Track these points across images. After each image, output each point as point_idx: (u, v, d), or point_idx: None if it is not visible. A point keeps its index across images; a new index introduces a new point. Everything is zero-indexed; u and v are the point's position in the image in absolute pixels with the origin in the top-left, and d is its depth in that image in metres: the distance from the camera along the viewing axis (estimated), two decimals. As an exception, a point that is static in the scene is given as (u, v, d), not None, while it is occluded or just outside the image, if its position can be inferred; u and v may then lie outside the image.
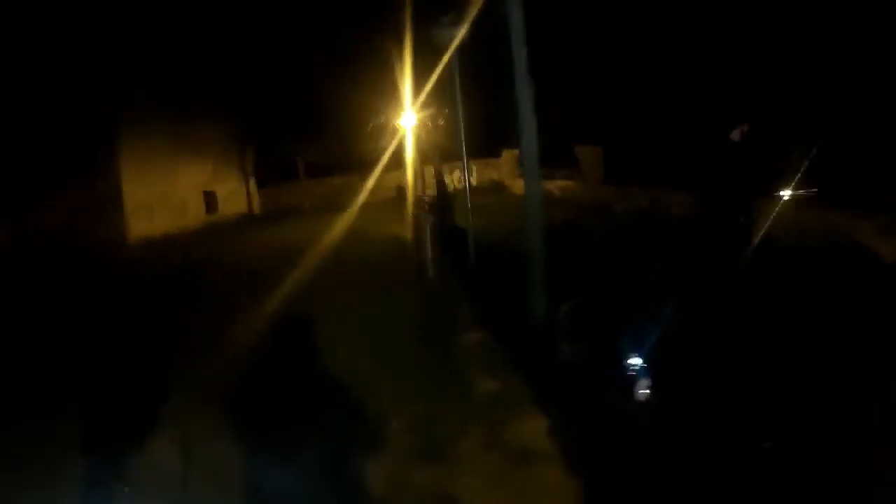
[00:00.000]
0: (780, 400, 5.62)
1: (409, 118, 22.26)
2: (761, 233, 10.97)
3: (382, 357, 8.63)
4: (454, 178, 27.45)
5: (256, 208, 29.36)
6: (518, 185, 27.33)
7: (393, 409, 6.84)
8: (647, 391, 5.33)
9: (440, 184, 24.19)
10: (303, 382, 7.83)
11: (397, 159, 25.18)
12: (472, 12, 16.85)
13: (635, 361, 5.52)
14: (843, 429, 5.16)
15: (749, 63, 14.53)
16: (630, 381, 5.47)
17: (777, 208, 11.27)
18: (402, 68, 22.06)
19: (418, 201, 20.29)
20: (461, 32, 18.95)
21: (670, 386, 5.67)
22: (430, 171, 25.41)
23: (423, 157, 24.84)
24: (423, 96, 21.15)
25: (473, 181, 28.68)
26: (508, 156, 30.07)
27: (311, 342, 9.26)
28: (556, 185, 24.89)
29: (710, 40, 16.28)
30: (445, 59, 20.77)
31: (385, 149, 25.21)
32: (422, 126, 23.83)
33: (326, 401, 7.26)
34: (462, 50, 20.46)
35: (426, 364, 8.31)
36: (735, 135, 9.09)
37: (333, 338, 9.36)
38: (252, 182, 29.41)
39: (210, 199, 27.26)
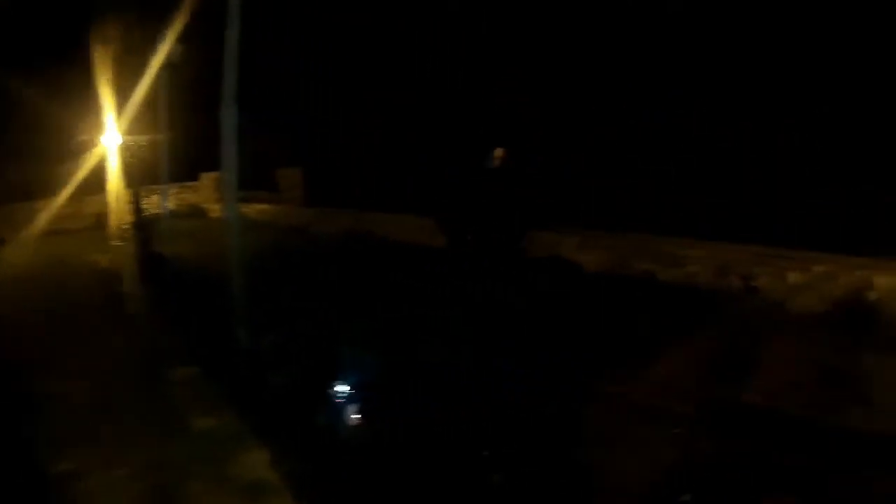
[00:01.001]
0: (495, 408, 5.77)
1: (113, 137, 21.16)
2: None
3: (95, 401, 7.99)
4: (153, 203, 26.38)
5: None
6: (216, 209, 26.84)
7: (115, 456, 6.36)
8: (358, 416, 5.29)
9: (138, 209, 23.04)
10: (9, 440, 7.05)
11: (101, 182, 23.73)
12: (174, 33, 16.34)
13: (342, 388, 5.49)
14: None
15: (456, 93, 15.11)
16: (339, 407, 5.42)
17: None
18: (109, 84, 20.98)
19: (119, 229, 19.25)
20: (164, 52, 18.34)
21: (383, 408, 5.70)
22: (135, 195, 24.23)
23: (129, 180, 23.60)
24: (129, 115, 20.25)
25: (172, 206, 27.77)
26: (207, 180, 29.31)
27: (12, 391, 8.36)
28: (255, 209, 24.72)
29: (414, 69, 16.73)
30: (148, 77, 20.08)
31: (91, 169, 23.69)
32: (126, 147, 22.63)
33: (41, 457, 6.55)
34: (174, 71, 19.77)
35: (142, 405, 7.79)
36: (492, 160, 9.30)
37: (40, 383, 8.59)
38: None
39: None
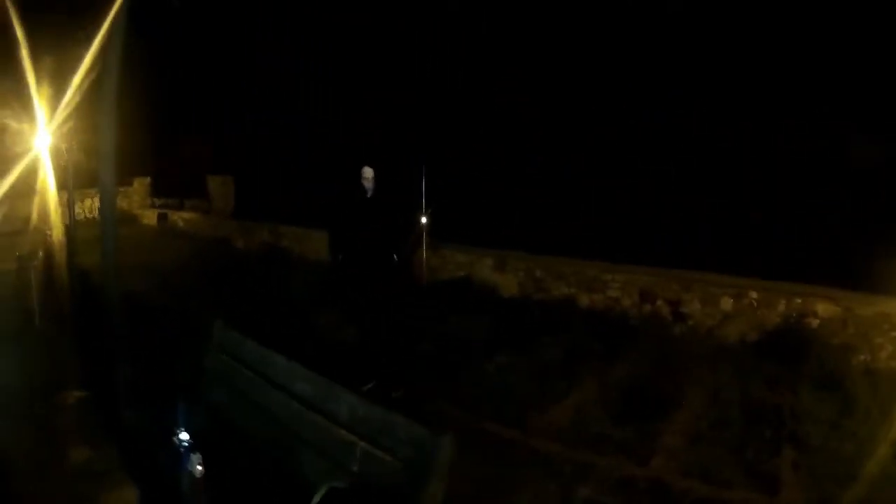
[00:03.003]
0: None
1: (44, 139, 20.18)
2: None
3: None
4: (86, 207, 25.52)
5: None
6: (149, 216, 26.26)
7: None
8: (201, 468, 4.58)
9: (71, 214, 22.01)
10: None
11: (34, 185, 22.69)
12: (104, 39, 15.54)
13: (184, 436, 4.83)
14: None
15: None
16: (182, 456, 4.74)
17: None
18: (40, 86, 19.98)
19: (44, 234, 18.23)
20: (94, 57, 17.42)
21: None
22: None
23: (61, 183, 22.58)
24: (61, 117, 19.28)
25: (105, 211, 26.84)
26: (139, 185, 28.69)
27: None
28: (181, 217, 24.61)
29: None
30: (79, 80, 19.10)
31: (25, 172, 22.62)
32: (57, 146, 21.60)
33: None
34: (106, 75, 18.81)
35: (22, 430, 7.07)
36: (363, 179, 8.57)
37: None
38: None
39: None
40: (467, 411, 6.74)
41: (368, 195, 7.81)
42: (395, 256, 7.74)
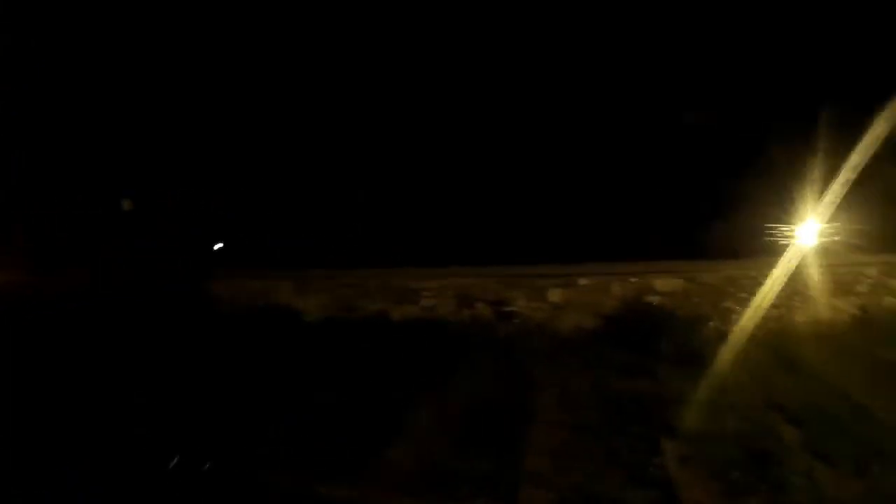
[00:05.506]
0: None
1: None
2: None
3: None
4: None
5: None
6: None
7: None
8: None
9: None
10: None
11: None
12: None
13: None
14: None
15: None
16: None
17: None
18: None
19: None
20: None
21: None
22: None
23: None
24: None
25: None
26: None
27: None
28: None
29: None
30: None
31: None
32: None
33: None
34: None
35: None
36: (126, 204, 7.26)
37: None
38: None
39: None
40: (292, 473, 5.29)
41: (124, 224, 6.40)
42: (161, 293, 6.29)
